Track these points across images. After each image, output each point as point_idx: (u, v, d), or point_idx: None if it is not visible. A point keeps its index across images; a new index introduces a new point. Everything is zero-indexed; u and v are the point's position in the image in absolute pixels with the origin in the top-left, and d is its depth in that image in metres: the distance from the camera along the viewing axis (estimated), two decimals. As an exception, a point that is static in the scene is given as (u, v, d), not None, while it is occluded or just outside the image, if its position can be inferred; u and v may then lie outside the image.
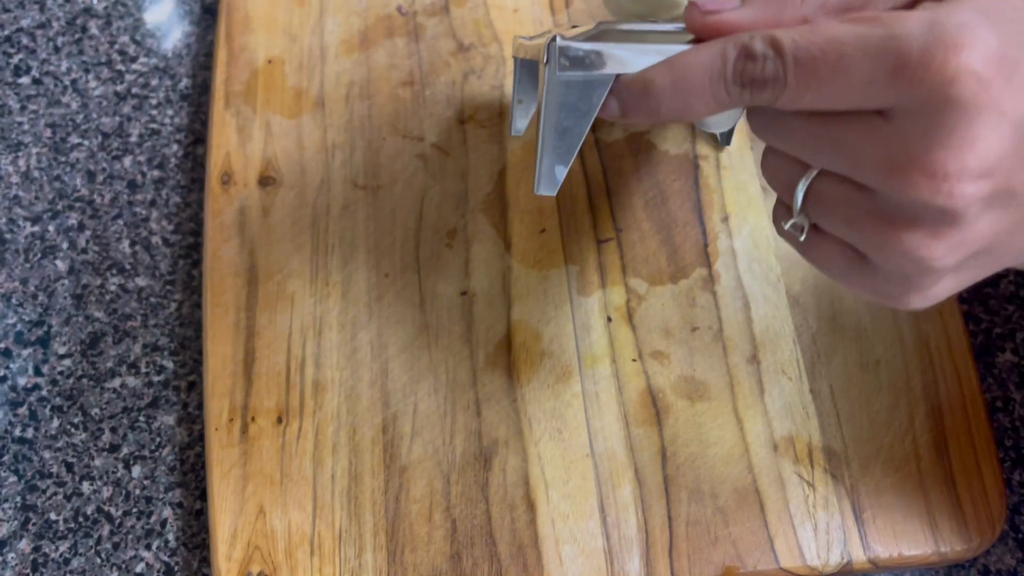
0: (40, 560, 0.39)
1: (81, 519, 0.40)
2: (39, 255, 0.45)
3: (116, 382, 0.42)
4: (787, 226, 0.27)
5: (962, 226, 0.23)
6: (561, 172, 0.29)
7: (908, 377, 0.41)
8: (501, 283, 0.42)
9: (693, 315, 0.42)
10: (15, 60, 0.49)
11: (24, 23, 0.50)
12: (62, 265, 0.45)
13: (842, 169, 0.25)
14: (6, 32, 0.50)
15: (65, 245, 0.45)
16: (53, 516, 0.40)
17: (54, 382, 0.42)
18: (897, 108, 0.23)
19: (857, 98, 0.23)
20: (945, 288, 0.26)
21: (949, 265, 0.24)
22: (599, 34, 0.28)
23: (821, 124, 0.24)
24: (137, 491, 0.40)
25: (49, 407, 0.42)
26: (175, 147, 0.48)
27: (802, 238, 0.27)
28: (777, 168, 0.27)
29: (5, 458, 0.41)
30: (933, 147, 0.22)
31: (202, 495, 0.40)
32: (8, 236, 0.45)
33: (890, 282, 0.26)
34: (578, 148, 0.29)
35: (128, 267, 0.45)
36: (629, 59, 0.27)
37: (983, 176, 0.22)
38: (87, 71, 0.49)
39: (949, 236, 0.23)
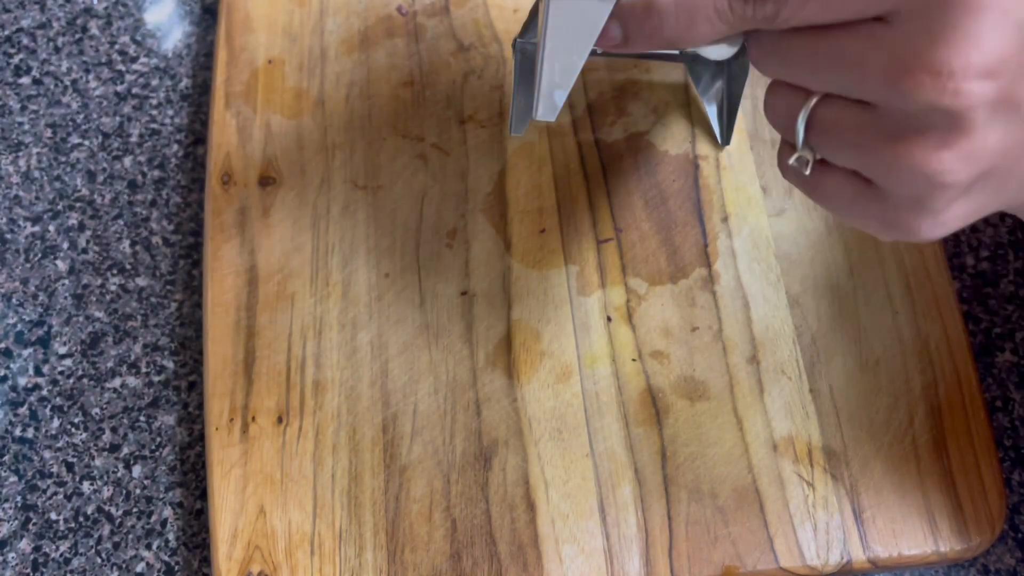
0: (40, 560, 0.39)
1: (81, 519, 0.40)
2: (39, 255, 0.45)
3: (116, 382, 0.42)
4: (792, 160, 0.27)
5: (970, 133, 0.23)
6: (560, 97, 0.29)
7: (908, 377, 0.41)
8: (501, 283, 0.42)
9: (693, 315, 0.42)
10: (15, 60, 0.49)
11: (24, 23, 0.51)
12: (62, 265, 0.45)
13: (844, 86, 0.24)
14: (6, 32, 0.50)
15: (65, 245, 0.45)
16: (53, 516, 0.40)
17: (54, 382, 0.42)
18: (898, 11, 0.22)
19: (858, 2, 0.23)
20: (955, 215, 0.25)
21: (960, 181, 0.24)
22: None
23: (822, 38, 0.24)
24: (137, 491, 0.40)
25: (49, 407, 0.42)
26: (175, 147, 0.48)
27: (807, 171, 0.27)
28: (778, 103, 0.27)
29: (5, 458, 0.41)
30: (936, 45, 0.22)
31: (202, 495, 0.40)
32: (8, 236, 0.45)
33: (900, 208, 0.25)
34: (578, 72, 0.28)
35: (128, 267, 0.45)
36: None
37: (988, 75, 0.22)
38: (87, 71, 0.49)
39: (958, 145, 0.23)
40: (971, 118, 0.22)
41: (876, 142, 0.24)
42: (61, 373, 0.42)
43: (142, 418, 0.42)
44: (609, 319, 0.42)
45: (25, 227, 0.45)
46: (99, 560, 0.39)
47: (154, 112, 0.48)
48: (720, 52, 0.37)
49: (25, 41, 0.50)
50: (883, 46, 0.23)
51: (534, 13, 0.40)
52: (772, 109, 0.27)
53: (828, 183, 0.26)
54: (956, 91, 0.22)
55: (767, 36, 0.26)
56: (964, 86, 0.22)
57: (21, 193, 0.46)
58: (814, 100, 0.25)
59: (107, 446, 0.41)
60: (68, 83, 0.49)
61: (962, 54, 0.22)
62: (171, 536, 0.40)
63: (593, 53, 0.46)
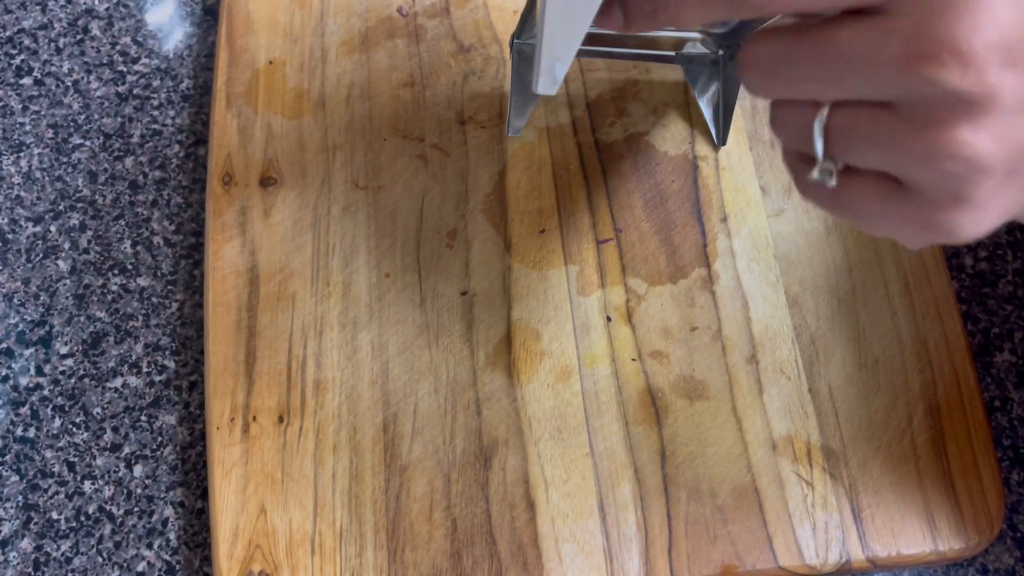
0: (42, 559, 0.39)
1: (83, 518, 0.40)
2: (41, 255, 0.45)
3: (118, 382, 0.42)
4: (814, 174, 0.25)
5: (999, 110, 0.22)
6: (561, 70, 0.28)
7: (906, 377, 0.41)
8: (501, 283, 0.43)
9: (692, 315, 0.42)
10: (17, 61, 0.50)
11: (26, 24, 0.51)
12: (64, 265, 0.45)
13: (857, 88, 0.23)
14: (8, 33, 0.50)
15: (67, 245, 0.45)
16: (55, 515, 0.40)
17: (56, 382, 0.42)
18: None
19: None
20: (996, 207, 0.24)
21: (997, 164, 0.22)
22: None
23: (827, 41, 0.23)
24: (139, 490, 0.40)
25: (51, 407, 0.42)
26: (176, 148, 0.48)
27: (832, 182, 0.25)
28: (787, 116, 0.26)
29: (7, 457, 0.41)
30: (950, 25, 0.21)
31: (203, 494, 0.40)
32: (10, 236, 0.45)
33: (936, 205, 0.24)
34: (577, 46, 0.27)
35: (130, 267, 0.45)
36: None
37: (1006, 49, 0.21)
38: (89, 72, 0.49)
39: (990, 123, 0.22)
40: (999, 95, 0.22)
41: (906, 134, 0.23)
42: (62, 373, 0.42)
43: (143, 418, 0.42)
44: (609, 319, 0.42)
45: (27, 227, 0.45)
46: (100, 559, 0.39)
47: (155, 113, 0.49)
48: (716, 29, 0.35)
49: (27, 42, 0.50)
50: (892, 36, 0.22)
51: (529, 9, 0.40)
52: (781, 124, 0.26)
53: (856, 190, 0.25)
54: (979, 68, 0.21)
55: (766, 55, 0.25)
56: (986, 63, 0.21)
57: (23, 193, 0.46)
58: (827, 109, 0.24)
59: (108, 446, 0.41)
60: (69, 84, 0.49)
61: (979, 31, 0.21)
62: (172, 535, 0.40)
63: (596, 54, 0.46)
